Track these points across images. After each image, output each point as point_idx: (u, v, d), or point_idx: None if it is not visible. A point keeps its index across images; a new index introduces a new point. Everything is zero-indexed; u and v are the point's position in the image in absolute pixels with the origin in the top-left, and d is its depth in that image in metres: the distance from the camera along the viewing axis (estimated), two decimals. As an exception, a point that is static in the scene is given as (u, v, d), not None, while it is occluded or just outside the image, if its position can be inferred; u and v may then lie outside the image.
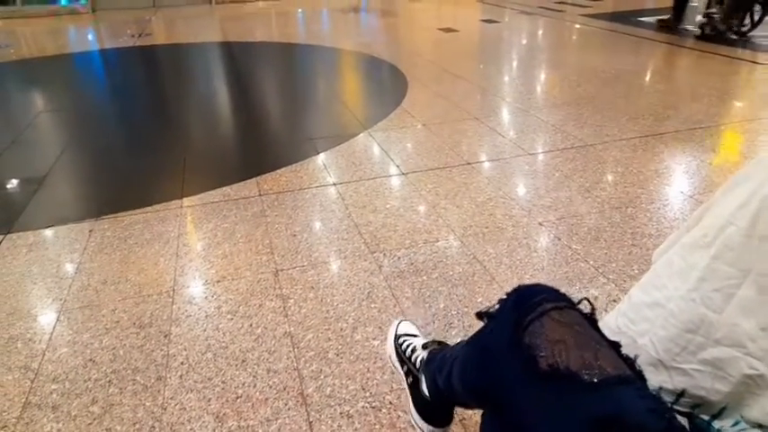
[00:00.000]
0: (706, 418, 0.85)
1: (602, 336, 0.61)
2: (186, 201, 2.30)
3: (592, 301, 0.67)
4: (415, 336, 1.30)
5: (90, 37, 6.94)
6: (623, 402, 0.51)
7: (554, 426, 0.53)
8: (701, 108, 3.25)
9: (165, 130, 3.41)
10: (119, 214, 2.20)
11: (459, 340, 1.09)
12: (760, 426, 0.82)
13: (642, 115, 3.14)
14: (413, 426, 1.22)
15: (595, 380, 0.53)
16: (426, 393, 1.09)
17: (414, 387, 1.16)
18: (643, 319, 0.87)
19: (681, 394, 0.85)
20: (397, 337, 1.31)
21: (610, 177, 2.39)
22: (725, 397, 0.81)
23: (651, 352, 0.85)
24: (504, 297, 0.70)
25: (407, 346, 1.24)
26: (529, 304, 0.63)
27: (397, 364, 1.27)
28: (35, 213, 2.26)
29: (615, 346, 0.60)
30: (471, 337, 0.81)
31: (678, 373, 0.83)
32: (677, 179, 2.37)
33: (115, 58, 5.58)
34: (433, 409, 1.12)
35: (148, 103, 4.13)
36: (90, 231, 2.08)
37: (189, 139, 3.25)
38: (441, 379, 0.97)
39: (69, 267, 1.86)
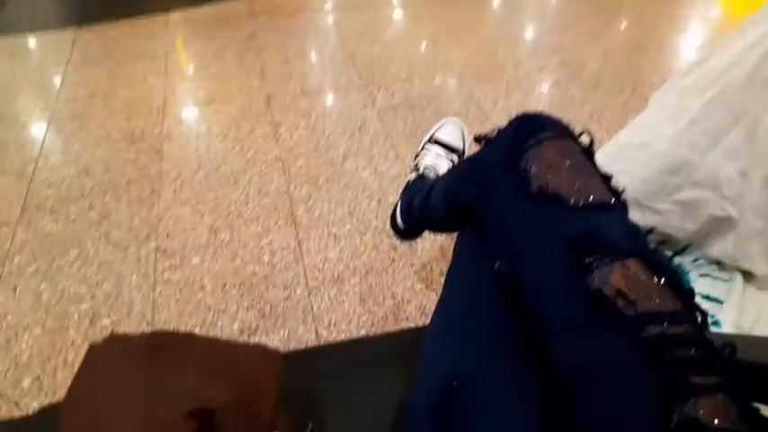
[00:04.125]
0: (669, 253, 0.92)
1: (596, 167, 0.62)
2: (173, 15, 2.17)
3: (592, 135, 0.67)
4: (450, 149, 1.23)
5: None
6: (601, 225, 0.54)
7: (535, 241, 0.56)
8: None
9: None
10: (102, 24, 2.08)
11: None
12: (717, 263, 0.89)
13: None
14: (395, 249, 1.30)
15: (580, 204, 0.55)
16: (399, 218, 1.11)
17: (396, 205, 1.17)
18: (627, 159, 0.89)
19: (650, 231, 0.90)
20: (431, 139, 1.24)
21: (621, 22, 2.26)
22: (691, 235, 0.86)
23: (629, 191, 0.87)
24: (506, 124, 0.69)
25: (419, 159, 1.20)
26: (530, 130, 0.63)
27: (412, 163, 1.24)
28: (13, 18, 2.12)
29: (606, 178, 0.61)
30: (463, 160, 0.82)
31: (651, 211, 0.87)
32: (692, 28, 2.25)
33: None
34: (408, 230, 1.14)
35: None
36: (73, 41, 1.98)
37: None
38: (417, 199, 0.98)
39: (55, 78, 1.80)
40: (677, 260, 0.90)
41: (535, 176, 0.58)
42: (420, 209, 0.97)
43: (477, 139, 0.77)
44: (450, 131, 1.27)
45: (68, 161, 1.50)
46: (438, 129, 1.27)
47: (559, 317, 0.52)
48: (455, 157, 1.23)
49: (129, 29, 2.07)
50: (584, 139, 0.68)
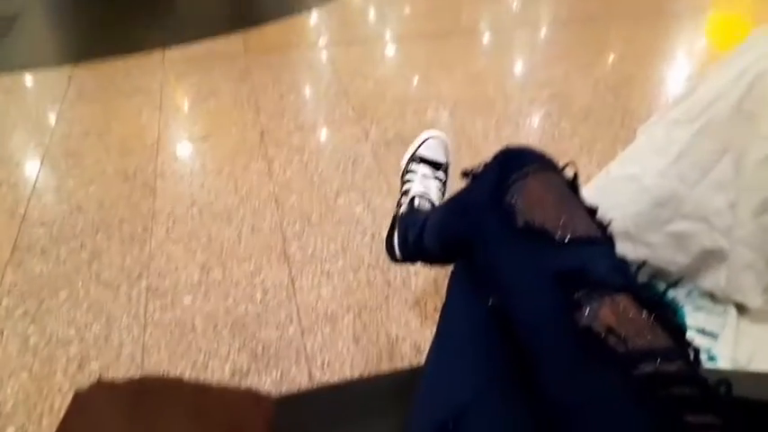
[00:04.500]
0: (662, 286, 0.91)
1: (581, 200, 0.62)
2: (169, 52, 2.20)
3: (576, 168, 0.68)
4: (435, 165, 1.22)
5: None
6: (588, 260, 0.53)
7: (522, 277, 0.56)
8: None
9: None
10: (98, 61, 2.10)
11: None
12: (711, 296, 0.88)
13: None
14: (389, 285, 1.29)
15: (566, 239, 0.55)
16: (395, 243, 1.10)
17: (393, 222, 1.16)
18: (617, 191, 0.89)
19: (642, 264, 0.90)
20: (413, 157, 1.22)
21: (609, 55, 2.31)
22: (683, 268, 0.86)
23: (620, 224, 0.88)
24: (491, 158, 0.70)
25: (408, 181, 1.19)
26: (514, 165, 0.63)
27: (400, 182, 1.22)
28: (10, 55, 2.15)
29: (591, 211, 0.61)
30: (452, 195, 0.82)
31: (643, 245, 0.87)
32: (679, 61, 2.29)
33: None
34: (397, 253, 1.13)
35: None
36: (69, 78, 2.00)
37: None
38: (412, 235, 0.98)
39: (50, 115, 1.81)
40: (670, 293, 0.89)
41: (520, 211, 0.58)
42: (414, 245, 0.97)
43: (465, 174, 0.78)
44: (432, 146, 1.24)
45: (61, 199, 1.49)
46: (420, 145, 1.24)
47: (550, 353, 0.52)
48: (442, 174, 1.21)
49: (125, 65, 2.09)
50: (569, 172, 0.68)
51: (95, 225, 1.42)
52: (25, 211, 1.46)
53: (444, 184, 1.23)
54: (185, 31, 2.39)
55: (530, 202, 0.58)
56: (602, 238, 0.57)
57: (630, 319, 0.47)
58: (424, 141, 1.25)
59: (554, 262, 0.53)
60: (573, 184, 0.64)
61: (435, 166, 1.22)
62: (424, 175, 1.20)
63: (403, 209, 1.16)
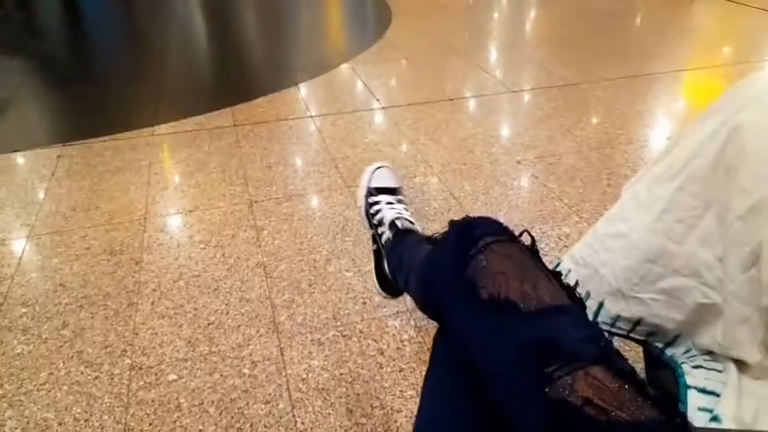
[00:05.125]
0: (660, 345, 0.89)
1: (543, 267, 0.62)
2: (158, 129, 2.24)
3: (532, 234, 0.68)
4: (391, 191, 1.25)
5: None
6: (558, 331, 0.52)
7: (491, 351, 0.54)
8: (688, 50, 3.20)
9: (138, 56, 3.27)
10: (88, 140, 2.14)
11: (420, 235, 1.12)
12: (710, 353, 0.86)
13: (629, 55, 3.09)
14: (382, 354, 1.25)
15: (532, 309, 0.53)
16: (387, 272, 1.11)
17: (377, 256, 1.18)
18: (606, 249, 0.88)
19: (637, 323, 0.87)
20: (369, 192, 1.26)
21: (591, 117, 2.38)
22: (678, 325, 0.84)
23: (611, 281, 0.87)
24: (449, 225, 0.70)
25: (377, 212, 1.21)
26: (471, 238, 0.63)
27: (365, 222, 1.25)
28: (0, 137, 2.18)
29: (556, 275, 0.60)
30: (423, 259, 0.81)
31: (636, 302, 0.85)
32: (658, 121, 2.36)
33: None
34: (392, 286, 1.15)
35: (121, 27, 3.94)
36: (58, 157, 2.02)
37: (162, 65, 3.13)
38: (400, 279, 0.99)
39: (37, 193, 1.81)
40: (669, 352, 0.87)
41: (482, 285, 0.57)
42: (404, 289, 0.97)
43: (428, 240, 0.78)
44: (381, 176, 1.28)
45: (45, 277, 1.47)
46: (370, 179, 1.28)
47: (527, 428, 0.49)
48: (401, 197, 1.25)
49: (115, 143, 2.12)
50: (526, 240, 0.68)
51: (79, 302, 1.39)
52: (8, 289, 1.43)
53: (406, 204, 1.27)
54: (175, 107, 2.45)
55: (491, 274, 0.58)
56: (570, 304, 0.56)
57: (609, 391, 0.45)
58: (372, 174, 1.28)
59: (522, 334, 0.52)
60: (532, 251, 0.64)
61: (392, 191, 1.24)
62: (388, 202, 1.23)
63: (387, 235, 1.16)
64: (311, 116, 2.37)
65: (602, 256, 0.90)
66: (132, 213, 1.72)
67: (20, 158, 2.03)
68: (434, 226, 1.67)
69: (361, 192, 1.29)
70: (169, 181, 1.90)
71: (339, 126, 2.28)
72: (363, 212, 1.26)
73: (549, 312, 0.53)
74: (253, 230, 1.65)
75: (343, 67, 2.94)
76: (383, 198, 1.24)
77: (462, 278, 0.59)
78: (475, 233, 0.62)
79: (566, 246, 1.58)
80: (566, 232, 1.65)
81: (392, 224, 1.16)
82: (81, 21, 4.08)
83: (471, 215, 0.69)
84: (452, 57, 3.08)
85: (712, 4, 4.27)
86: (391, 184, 1.28)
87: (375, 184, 1.28)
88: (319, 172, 1.96)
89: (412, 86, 2.68)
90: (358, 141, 2.16)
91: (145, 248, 1.57)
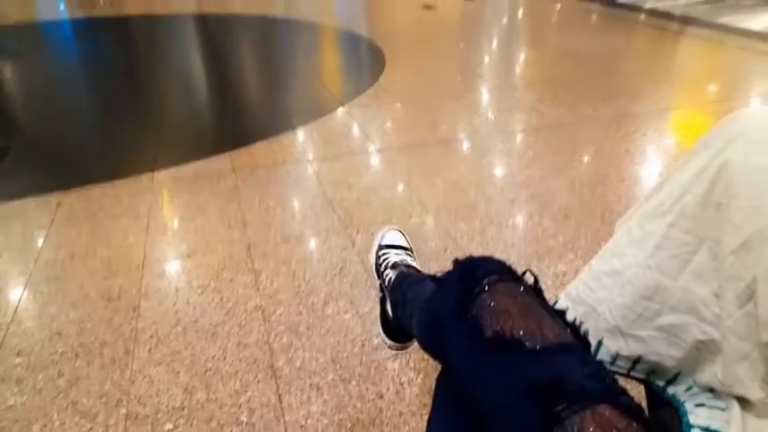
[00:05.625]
0: (661, 383, 0.88)
1: (547, 305, 0.62)
2: (158, 174, 2.27)
3: (535, 273, 0.69)
4: (402, 247, 1.28)
5: (59, 5, 6.71)
6: (563, 369, 0.52)
7: (495, 391, 0.54)
8: (675, 89, 3.29)
9: (139, 104, 3.34)
10: (87, 187, 2.15)
11: (423, 274, 1.12)
12: (711, 390, 0.85)
13: (616, 95, 3.17)
14: (381, 397, 1.24)
15: (538, 347, 0.54)
16: (390, 314, 1.11)
17: (382, 303, 1.19)
18: (602, 287, 0.89)
19: (637, 360, 0.87)
20: (380, 247, 1.29)
21: (582, 156, 2.42)
22: (678, 362, 0.83)
23: (609, 319, 0.87)
24: (453, 263, 0.71)
25: (385, 260, 1.24)
26: (475, 276, 0.64)
27: (375, 275, 1.27)
28: (1, 186, 2.20)
29: (560, 314, 0.61)
30: (426, 298, 0.82)
31: (634, 339, 0.85)
32: (647, 158, 2.40)
33: (86, 28, 5.41)
34: (396, 328, 1.14)
35: (121, 75, 4.03)
36: (58, 204, 2.03)
37: (163, 112, 3.19)
38: (404, 318, 0.99)
39: (36, 240, 1.82)
40: (670, 390, 0.86)
41: (487, 323, 0.57)
42: (407, 329, 0.97)
43: (432, 279, 0.78)
44: (392, 236, 1.33)
45: (42, 325, 1.46)
46: (382, 239, 1.32)
47: None
48: (410, 254, 1.28)
49: (114, 189, 2.14)
50: (529, 278, 0.69)
51: (75, 350, 1.37)
52: (3, 339, 1.41)
53: (414, 258, 1.29)
54: (175, 153, 2.49)
55: (495, 312, 0.58)
56: (574, 342, 0.57)
57: (618, 430, 0.45)
58: (383, 235, 1.33)
59: (527, 373, 0.52)
60: (536, 289, 0.65)
61: (402, 248, 1.27)
62: (397, 254, 1.25)
63: (390, 275, 1.17)
64: (308, 159, 2.40)
65: (599, 293, 0.90)
66: (131, 259, 1.72)
67: (19, 206, 2.04)
68: (432, 266, 1.68)
69: (373, 250, 1.33)
70: (168, 226, 1.91)
71: (336, 169, 2.31)
72: (373, 267, 1.29)
73: (554, 350, 0.53)
74: (251, 274, 1.65)
75: (340, 111, 3.00)
76: (392, 251, 1.27)
77: (466, 316, 0.59)
78: (479, 272, 0.63)
79: (562, 283, 1.59)
80: (562, 270, 1.66)
81: (396, 265, 1.19)
82: (83, 67, 4.17)
83: (473, 254, 0.70)
84: (445, 100, 3.16)
85: (694, 44, 4.41)
86: (402, 243, 1.31)
87: (386, 242, 1.31)
88: (317, 214, 1.97)
89: (406, 129, 2.73)
90: (354, 183, 2.19)
91: (143, 294, 1.57)
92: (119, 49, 4.89)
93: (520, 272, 0.68)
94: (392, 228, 1.37)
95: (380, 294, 1.24)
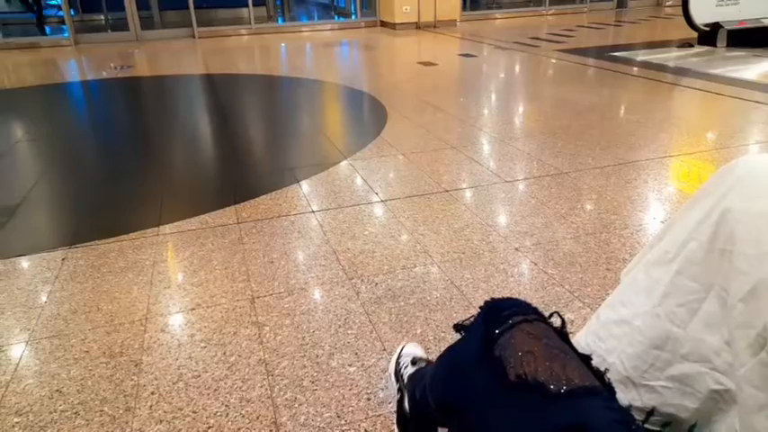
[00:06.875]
0: (677, 436, 0.85)
1: (572, 348, 0.61)
2: (163, 229, 2.28)
3: (563, 315, 0.68)
4: (421, 359, 1.31)
5: (72, 68, 6.95)
6: (590, 413, 0.51)
7: None
8: (672, 138, 3.34)
9: (145, 160, 3.40)
10: (93, 242, 2.17)
11: None
12: (729, 442, 0.82)
13: (615, 144, 3.22)
14: (388, 454, 1.20)
15: (563, 390, 0.53)
16: (407, 410, 1.09)
17: (399, 403, 1.17)
18: (611, 336, 0.88)
19: (651, 412, 0.85)
20: (399, 356, 1.33)
21: (584, 204, 2.43)
22: (693, 414, 0.81)
23: (620, 369, 0.85)
24: (480, 307, 0.70)
25: (403, 364, 1.26)
26: (499, 317, 0.63)
27: (393, 381, 1.28)
28: (7, 242, 2.21)
29: (585, 358, 0.60)
30: (447, 349, 0.81)
31: (647, 390, 0.83)
32: (649, 205, 2.42)
33: (96, 90, 5.58)
34: (414, 427, 1.11)
35: (128, 133, 4.12)
36: (63, 260, 2.04)
37: (169, 168, 3.24)
38: (418, 391, 0.97)
39: (39, 296, 1.81)
40: (687, 443, 0.84)
41: (511, 365, 0.56)
42: (421, 402, 0.95)
43: (456, 328, 0.77)
44: (411, 349, 1.36)
45: (42, 383, 1.43)
46: (401, 350, 1.37)
47: None
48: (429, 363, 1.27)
49: (119, 244, 2.15)
50: (555, 321, 0.68)
51: (75, 408, 1.34)
52: (2, 397, 1.39)
53: None
54: (180, 207, 2.51)
55: (519, 354, 0.57)
56: (600, 386, 0.55)
57: None
58: (403, 347, 1.38)
59: (552, 418, 0.51)
60: (562, 332, 0.64)
61: (421, 359, 1.31)
62: (415, 360, 1.29)
63: (410, 370, 1.19)
64: (312, 211, 2.42)
65: (608, 343, 0.89)
66: (133, 314, 1.71)
67: (24, 262, 2.05)
68: (437, 316, 1.66)
69: (393, 359, 1.37)
70: (172, 280, 1.91)
71: (340, 220, 2.33)
72: (393, 374, 1.32)
73: (579, 394, 0.52)
74: (254, 327, 1.64)
75: (343, 163, 3.05)
76: (410, 358, 1.31)
77: (490, 358, 0.58)
78: (504, 312, 0.63)
79: (571, 332, 1.56)
80: (569, 318, 1.63)
81: (414, 361, 1.22)
82: (90, 125, 4.27)
83: (495, 298, 0.70)
84: (447, 151, 3.21)
85: (688, 94, 4.51)
86: (422, 355, 1.37)
87: (405, 352, 1.35)
88: (321, 265, 1.97)
89: (409, 180, 2.76)
90: (358, 234, 2.19)
91: (145, 349, 1.55)
92: (126, 107, 5.02)
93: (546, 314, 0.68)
94: (408, 342, 1.44)
95: (397, 396, 1.24)
